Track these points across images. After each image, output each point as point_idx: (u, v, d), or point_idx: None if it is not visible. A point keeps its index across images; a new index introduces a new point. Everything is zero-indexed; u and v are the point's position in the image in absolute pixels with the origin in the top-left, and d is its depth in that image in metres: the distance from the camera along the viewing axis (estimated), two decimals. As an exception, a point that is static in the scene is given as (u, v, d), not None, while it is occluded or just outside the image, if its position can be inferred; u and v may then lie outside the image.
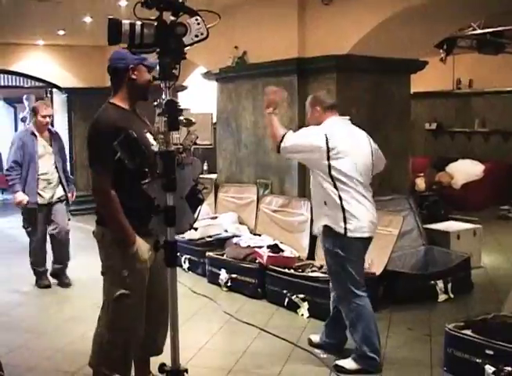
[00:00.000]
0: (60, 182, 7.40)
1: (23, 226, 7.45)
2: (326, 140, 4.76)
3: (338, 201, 4.78)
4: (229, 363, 5.13)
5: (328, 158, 4.74)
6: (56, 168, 7.38)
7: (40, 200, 7.28)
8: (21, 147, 7.25)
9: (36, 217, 7.29)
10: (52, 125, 13.25)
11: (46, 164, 7.31)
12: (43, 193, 7.29)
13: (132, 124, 3.92)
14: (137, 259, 3.94)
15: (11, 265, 8.64)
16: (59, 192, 7.43)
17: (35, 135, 7.28)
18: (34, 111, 7.31)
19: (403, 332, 5.80)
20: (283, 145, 4.92)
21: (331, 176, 4.77)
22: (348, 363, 4.89)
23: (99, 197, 3.96)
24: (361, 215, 4.80)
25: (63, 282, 7.50)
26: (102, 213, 4.06)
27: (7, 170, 7.37)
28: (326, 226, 4.88)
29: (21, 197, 7.22)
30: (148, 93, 4.08)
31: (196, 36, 3.32)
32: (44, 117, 7.23)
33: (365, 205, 4.85)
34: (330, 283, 5.15)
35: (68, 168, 8.00)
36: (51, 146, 7.40)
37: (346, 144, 4.84)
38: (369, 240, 4.94)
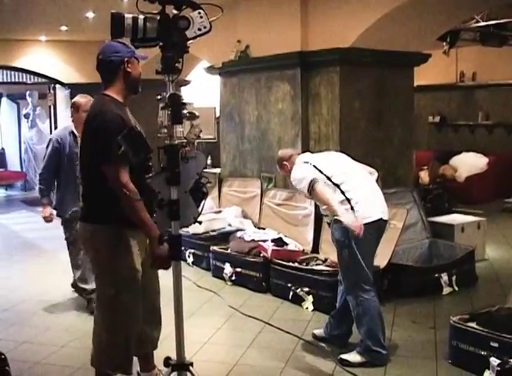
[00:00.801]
0: None
1: (66, 238, 6.53)
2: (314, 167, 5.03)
3: (343, 196, 4.83)
4: (234, 357, 5.14)
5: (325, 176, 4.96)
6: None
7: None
8: (56, 151, 6.31)
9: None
10: (56, 121, 13.36)
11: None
12: None
13: (128, 117, 3.89)
14: (155, 256, 3.74)
15: (15, 261, 8.67)
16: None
17: (75, 135, 6.25)
18: (75, 106, 6.29)
19: (408, 325, 5.80)
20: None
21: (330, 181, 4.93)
22: (353, 357, 4.90)
23: (122, 189, 3.62)
24: (366, 199, 4.88)
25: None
26: (99, 208, 3.85)
27: (39, 175, 6.58)
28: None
29: (47, 212, 6.59)
30: (139, 87, 3.98)
31: (199, 29, 3.33)
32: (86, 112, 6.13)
33: (366, 191, 4.97)
34: (339, 276, 5.15)
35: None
36: None
37: (322, 157, 5.24)
38: (379, 223, 4.94)
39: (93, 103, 3.95)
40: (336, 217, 4.76)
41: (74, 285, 6.67)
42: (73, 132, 6.30)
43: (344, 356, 4.92)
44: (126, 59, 3.83)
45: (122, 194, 3.63)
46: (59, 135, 6.46)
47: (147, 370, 4.36)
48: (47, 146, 6.56)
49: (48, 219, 6.62)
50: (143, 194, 3.53)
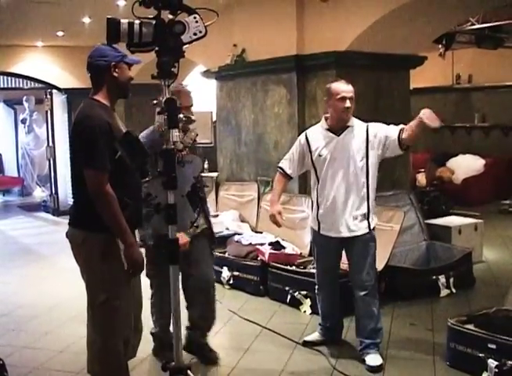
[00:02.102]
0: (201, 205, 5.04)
1: (147, 274, 4.82)
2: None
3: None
4: (232, 360, 5.14)
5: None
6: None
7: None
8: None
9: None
10: (53, 126, 13.34)
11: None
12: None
13: (116, 121, 3.88)
14: (133, 260, 3.77)
15: (13, 266, 8.67)
16: (200, 220, 4.90)
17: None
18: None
19: (405, 327, 5.81)
20: None
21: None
22: (378, 358, 4.94)
23: (100, 197, 3.66)
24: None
25: (209, 356, 5.18)
26: (89, 215, 3.81)
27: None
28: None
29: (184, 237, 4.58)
30: (129, 91, 3.94)
31: (195, 34, 3.34)
32: (187, 109, 4.72)
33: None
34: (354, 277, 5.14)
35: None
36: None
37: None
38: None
39: (81, 107, 3.89)
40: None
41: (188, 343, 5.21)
42: None
43: (371, 363, 4.90)
44: (113, 63, 3.79)
45: (99, 200, 3.66)
46: (150, 136, 4.74)
47: None
48: None
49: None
50: (139, 198, 3.54)
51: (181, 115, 3.38)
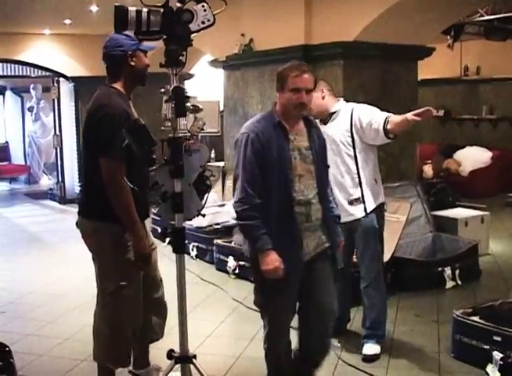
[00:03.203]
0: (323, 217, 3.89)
1: (258, 303, 4.03)
2: None
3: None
4: (237, 349, 5.16)
5: None
6: (320, 187, 3.88)
7: (305, 257, 3.92)
8: (258, 154, 3.70)
9: (288, 287, 3.80)
10: (59, 114, 13.33)
11: (305, 181, 3.81)
12: (304, 240, 3.84)
13: (132, 111, 3.90)
14: (140, 254, 3.82)
15: (19, 254, 8.69)
16: (321, 236, 3.89)
17: (284, 128, 3.79)
18: (282, 81, 3.86)
19: (411, 319, 5.81)
20: None
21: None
22: (375, 348, 4.95)
23: (114, 186, 3.66)
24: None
25: None
26: (100, 205, 3.81)
27: (238, 203, 3.71)
28: (382, 204, 5.01)
29: (274, 261, 3.65)
30: (146, 78, 3.97)
31: (203, 22, 3.32)
32: (299, 91, 3.74)
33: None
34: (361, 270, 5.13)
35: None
36: (310, 147, 3.85)
37: None
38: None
39: (98, 94, 3.92)
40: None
41: None
42: (280, 124, 3.80)
43: (368, 352, 4.93)
44: (130, 53, 3.83)
45: (112, 190, 3.67)
46: (257, 128, 3.80)
47: (142, 366, 4.34)
48: (236, 149, 3.91)
49: (277, 274, 3.68)
50: (146, 187, 3.54)
51: (188, 104, 3.37)
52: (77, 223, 4.09)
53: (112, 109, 3.71)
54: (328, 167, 4.07)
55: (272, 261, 3.63)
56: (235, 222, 7.87)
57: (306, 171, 3.80)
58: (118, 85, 3.91)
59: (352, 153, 4.83)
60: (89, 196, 4.03)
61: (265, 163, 3.69)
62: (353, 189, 4.86)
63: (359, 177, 4.86)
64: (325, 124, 4.91)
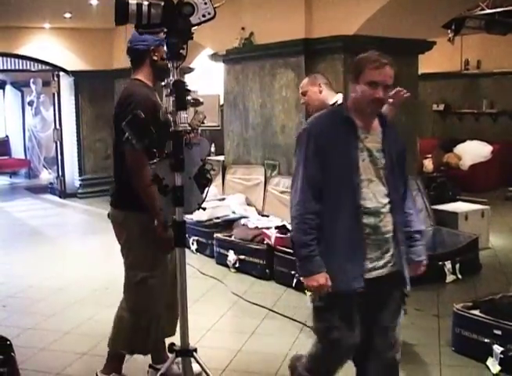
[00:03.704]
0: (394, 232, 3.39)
1: (321, 330, 3.52)
2: None
3: None
4: (238, 343, 5.16)
5: None
6: (392, 195, 3.38)
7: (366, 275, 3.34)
8: (320, 152, 3.28)
9: (351, 311, 3.40)
10: (60, 108, 13.33)
11: (374, 187, 3.33)
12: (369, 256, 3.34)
13: (158, 100, 4.00)
14: (163, 238, 3.89)
15: (19, 248, 8.69)
16: (390, 253, 3.40)
17: (353, 125, 3.31)
18: (358, 71, 3.40)
19: (411, 312, 5.79)
20: None
21: None
22: None
23: (137, 174, 3.80)
24: None
25: None
26: (129, 195, 3.93)
27: (297, 206, 3.31)
28: None
29: (321, 279, 3.31)
30: (166, 74, 4.03)
31: (204, 16, 3.32)
32: (377, 85, 3.29)
33: None
34: None
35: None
36: (383, 150, 3.36)
37: None
38: None
39: (126, 86, 4.14)
40: None
41: None
42: (348, 119, 3.33)
43: None
44: (152, 47, 4.03)
45: (135, 177, 3.83)
46: (320, 123, 3.43)
47: (162, 361, 4.35)
48: (297, 148, 3.44)
49: (322, 291, 3.37)
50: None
51: (189, 97, 3.37)
52: (108, 214, 4.24)
53: (138, 96, 3.91)
54: (406, 176, 3.55)
55: (318, 278, 3.27)
56: (235, 216, 7.99)
57: (376, 176, 3.30)
58: (142, 77, 4.11)
59: None
60: (119, 186, 4.18)
61: (329, 163, 3.26)
62: None
63: None
64: None
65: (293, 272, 6.50)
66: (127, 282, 4.19)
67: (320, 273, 3.26)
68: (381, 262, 3.35)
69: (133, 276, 4.10)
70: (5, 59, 13.51)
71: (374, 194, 3.28)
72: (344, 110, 3.38)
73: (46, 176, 16.13)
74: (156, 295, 4.08)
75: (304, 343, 5.14)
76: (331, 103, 4.92)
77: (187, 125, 3.36)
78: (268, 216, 7.93)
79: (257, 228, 7.38)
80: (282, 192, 8.08)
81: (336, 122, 3.33)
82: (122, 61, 11.77)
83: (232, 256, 7.27)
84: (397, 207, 3.38)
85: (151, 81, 4.12)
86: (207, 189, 3.54)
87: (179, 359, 3.61)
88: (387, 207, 3.32)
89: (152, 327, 4.12)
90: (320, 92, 4.96)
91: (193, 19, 3.30)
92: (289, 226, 7.18)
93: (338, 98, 4.94)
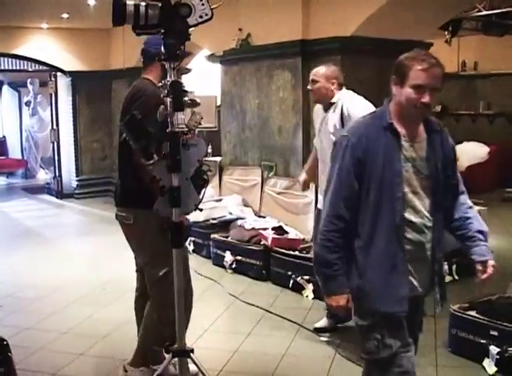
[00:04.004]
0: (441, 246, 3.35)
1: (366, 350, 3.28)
2: None
3: None
4: (234, 344, 5.16)
5: None
6: (439, 208, 3.23)
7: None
8: (359, 163, 3.04)
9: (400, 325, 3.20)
10: (57, 108, 13.33)
11: (420, 200, 3.13)
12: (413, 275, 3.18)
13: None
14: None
15: (16, 248, 8.69)
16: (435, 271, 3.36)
17: (396, 133, 3.07)
18: (402, 72, 3.16)
19: (408, 313, 5.82)
20: None
21: None
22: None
23: (144, 170, 3.72)
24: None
25: None
26: (138, 193, 3.97)
27: (327, 218, 3.09)
28: None
29: (342, 300, 3.17)
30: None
31: (201, 17, 3.32)
32: (423, 89, 3.02)
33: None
34: None
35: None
36: (427, 159, 3.14)
37: None
38: None
39: (135, 84, 4.20)
40: None
41: None
42: (391, 126, 3.08)
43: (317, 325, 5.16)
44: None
45: (142, 173, 3.79)
46: (363, 130, 3.14)
47: (158, 362, 4.35)
48: (333, 160, 3.20)
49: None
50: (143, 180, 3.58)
51: (186, 98, 3.38)
52: (116, 215, 4.22)
53: (147, 91, 3.98)
54: (457, 179, 3.41)
55: (339, 299, 3.10)
56: (232, 216, 7.99)
57: (421, 187, 3.07)
58: (152, 77, 4.17)
59: None
60: (125, 186, 4.18)
61: (368, 175, 3.00)
62: None
63: None
64: (326, 112, 5.02)
65: (289, 272, 6.52)
66: (149, 280, 4.21)
67: (342, 294, 3.08)
68: (427, 279, 3.25)
69: (154, 274, 4.12)
70: (2, 59, 13.50)
71: (419, 207, 3.08)
72: (387, 116, 3.10)
73: (43, 176, 16.13)
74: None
75: (301, 344, 5.17)
76: (333, 101, 4.99)
77: (184, 126, 3.36)
78: (264, 217, 7.93)
79: (253, 229, 7.38)
80: (279, 193, 8.08)
81: (377, 130, 3.05)
82: (119, 62, 11.81)
83: (228, 257, 7.27)
84: (446, 220, 3.25)
85: (158, 82, 4.07)
86: (203, 190, 3.55)
87: (176, 359, 3.62)
88: (433, 221, 3.13)
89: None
90: (331, 90, 5.01)
91: (191, 21, 3.31)
92: (285, 228, 7.22)
93: (340, 95, 5.01)
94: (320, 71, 5.10)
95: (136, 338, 4.43)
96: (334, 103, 4.98)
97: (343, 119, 4.83)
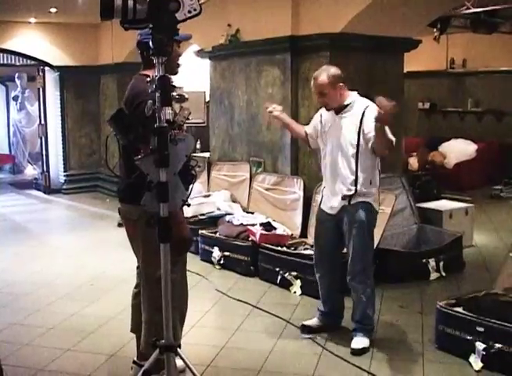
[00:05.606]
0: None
1: None
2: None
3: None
4: (222, 340, 5.16)
5: None
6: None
7: None
8: None
9: None
10: (45, 103, 13.26)
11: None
12: None
13: None
14: (179, 237, 3.80)
15: (4, 243, 8.66)
16: None
17: None
18: None
19: (395, 310, 5.84)
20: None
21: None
22: (364, 341, 4.94)
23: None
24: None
25: None
26: (140, 188, 3.89)
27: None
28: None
29: None
30: (178, 67, 4.05)
31: (189, 12, 3.31)
32: None
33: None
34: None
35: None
36: None
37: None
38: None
39: (133, 83, 4.05)
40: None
41: None
42: None
43: (355, 346, 4.89)
44: None
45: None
46: None
47: (147, 358, 4.33)
48: None
49: None
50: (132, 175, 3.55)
51: (174, 93, 3.36)
52: (119, 210, 4.18)
53: (148, 96, 3.62)
54: None
55: None
56: (220, 212, 7.99)
57: None
58: (151, 73, 3.87)
59: (355, 152, 4.85)
60: (132, 181, 4.02)
61: None
62: (349, 183, 4.88)
63: (357, 171, 4.85)
64: (337, 114, 4.98)
65: (277, 268, 6.52)
66: (146, 279, 4.12)
67: None
68: None
69: (153, 273, 3.97)
70: (-11, 53, 13.45)
71: None
72: None
73: (31, 172, 16.05)
74: (178, 290, 4.04)
75: (288, 339, 5.17)
76: (346, 103, 4.94)
77: (172, 121, 3.35)
78: (253, 213, 7.93)
79: (242, 225, 7.39)
80: (267, 189, 8.08)
81: None
82: (108, 57, 11.77)
83: (216, 253, 7.27)
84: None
85: None
86: (191, 185, 3.54)
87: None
88: None
89: (177, 320, 4.12)
90: (341, 95, 4.94)
91: (179, 15, 3.29)
92: (274, 224, 7.22)
93: (354, 97, 4.98)
94: (324, 81, 4.92)
95: (124, 333, 4.40)
96: (348, 104, 4.93)
97: (360, 129, 4.82)
